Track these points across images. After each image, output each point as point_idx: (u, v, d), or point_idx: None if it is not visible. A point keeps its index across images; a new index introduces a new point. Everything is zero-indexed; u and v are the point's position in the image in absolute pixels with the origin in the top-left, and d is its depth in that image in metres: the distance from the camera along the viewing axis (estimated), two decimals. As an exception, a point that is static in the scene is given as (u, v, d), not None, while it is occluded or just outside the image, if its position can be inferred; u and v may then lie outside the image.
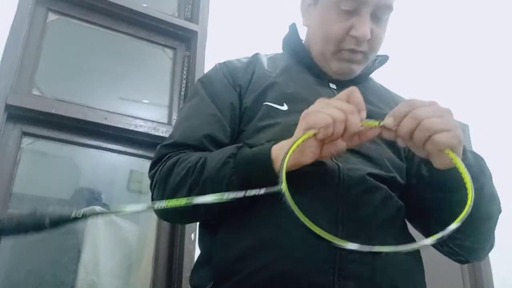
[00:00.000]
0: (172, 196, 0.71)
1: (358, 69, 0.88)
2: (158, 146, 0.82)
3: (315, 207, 0.69)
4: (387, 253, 0.54)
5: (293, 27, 0.97)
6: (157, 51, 2.26)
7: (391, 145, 0.83)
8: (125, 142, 1.99)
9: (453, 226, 0.54)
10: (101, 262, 1.83)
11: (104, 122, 1.88)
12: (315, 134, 0.61)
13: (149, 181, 0.82)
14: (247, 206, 0.69)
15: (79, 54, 2.13)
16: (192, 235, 1.86)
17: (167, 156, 0.78)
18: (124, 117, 1.97)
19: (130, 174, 2.18)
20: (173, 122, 2.13)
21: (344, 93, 0.64)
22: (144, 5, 2.19)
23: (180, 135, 0.81)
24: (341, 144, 0.64)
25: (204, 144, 0.77)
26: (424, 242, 0.53)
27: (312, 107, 0.64)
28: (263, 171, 0.65)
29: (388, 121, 0.63)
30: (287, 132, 0.68)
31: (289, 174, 0.59)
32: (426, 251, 0.68)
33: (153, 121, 2.06)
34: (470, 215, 0.58)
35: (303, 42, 0.95)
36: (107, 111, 1.95)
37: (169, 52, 2.27)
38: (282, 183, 0.56)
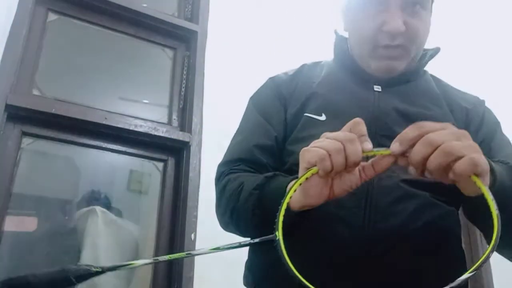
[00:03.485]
0: (224, 214, 0.79)
1: (399, 65, 0.84)
2: (218, 164, 0.87)
3: (340, 215, 0.71)
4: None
5: (339, 33, 0.95)
6: (157, 51, 2.27)
7: None
8: (125, 142, 1.99)
9: (465, 276, 0.51)
10: (101, 262, 1.82)
11: (104, 122, 1.88)
12: (317, 172, 0.57)
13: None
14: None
15: (79, 54, 2.13)
16: (192, 235, 1.86)
17: (223, 175, 0.83)
18: (124, 117, 1.97)
19: (130, 174, 2.18)
20: (173, 122, 2.14)
21: (347, 124, 0.60)
22: (144, 5, 2.20)
23: (233, 151, 0.87)
24: (353, 179, 0.60)
25: (254, 155, 0.82)
26: None
27: (311, 144, 0.60)
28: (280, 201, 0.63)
29: (393, 146, 0.57)
30: None
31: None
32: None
33: (153, 121, 2.06)
34: None
35: (348, 47, 0.93)
36: (107, 111, 1.96)
37: (169, 52, 2.27)
38: (277, 230, 0.56)
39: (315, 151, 0.57)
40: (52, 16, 2.00)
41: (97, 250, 1.84)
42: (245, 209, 0.72)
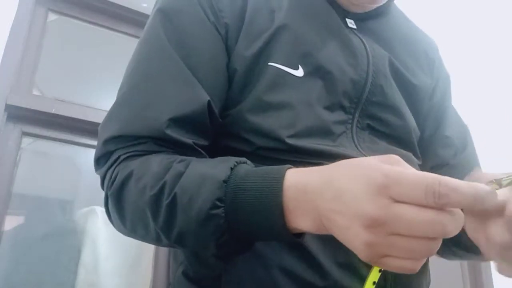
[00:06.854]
0: (134, 228, 0.51)
1: None
2: (102, 140, 0.56)
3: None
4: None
5: None
6: (157, 51, 2.26)
7: None
8: (125, 142, 1.98)
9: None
10: (101, 262, 1.82)
11: (104, 122, 1.88)
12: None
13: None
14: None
15: (79, 54, 2.13)
16: (192, 235, 1.85)
17: (116, 157, 0.53)
18: (124, 117, 1.97)
19: (130, 174, 2.18)
20: (173, 122, 2.13)
21: (463, 197, 0.34)
22: (144, 5, 2.19)
23: (130, 120, 0.54)
24: None
25: (169, 135, 0.51)
26: None
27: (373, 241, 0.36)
28: (269, 226, 0.41)
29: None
30: (308, 117, 0.52)
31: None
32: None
33: (153, 121, 2.06)
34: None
35: None
36: (107, 111, 1.95)
37: (169, 52, 2.27)
38: None
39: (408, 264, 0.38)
40: (52, 16, 2.00)
41: (97, 250, 1.84)
42: (203, 236, 0.45)
